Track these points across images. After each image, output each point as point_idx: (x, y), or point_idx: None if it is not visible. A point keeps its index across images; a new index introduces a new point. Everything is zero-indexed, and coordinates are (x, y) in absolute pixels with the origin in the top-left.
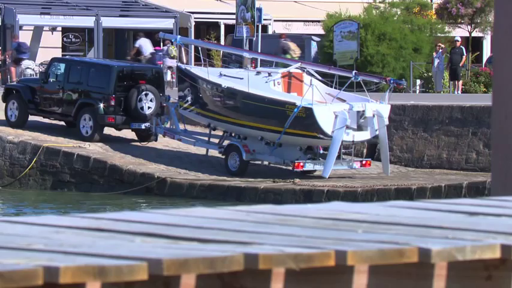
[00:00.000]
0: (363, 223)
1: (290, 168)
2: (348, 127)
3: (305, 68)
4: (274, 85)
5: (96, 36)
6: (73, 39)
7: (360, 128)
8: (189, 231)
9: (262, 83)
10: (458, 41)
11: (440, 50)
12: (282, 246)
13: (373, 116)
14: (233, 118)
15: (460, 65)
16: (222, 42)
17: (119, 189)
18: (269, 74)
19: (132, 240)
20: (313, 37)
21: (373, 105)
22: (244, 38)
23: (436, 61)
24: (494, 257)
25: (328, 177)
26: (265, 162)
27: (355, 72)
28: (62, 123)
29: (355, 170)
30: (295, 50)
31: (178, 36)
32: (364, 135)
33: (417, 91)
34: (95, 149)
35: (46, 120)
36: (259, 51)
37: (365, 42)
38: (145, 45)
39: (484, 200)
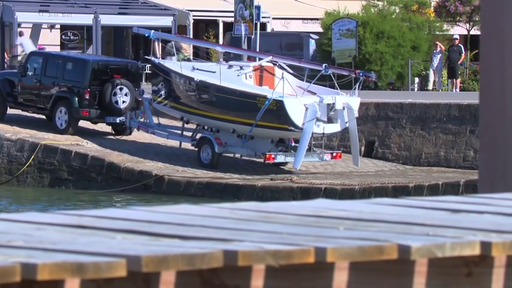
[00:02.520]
0: (345, 220)
1: (262, 160)
2: (318, 119)
3: (277, 62)
4: (246, 78)
5: (95, 34)
6: (71, 37)
7: (330, 120)
8: (171, 228)
9: (234, 76)
10: (457, 39)
11: (439, 49)
12: (262, 243)
13: (343, 108)
14: (205, 111)
15: (459, 63)
16: (221, 40)
17: (117, 187)
18: (241, 68)
19: (113, 237)
20: (311, 35)
21: (343, 98)
22: (243, 36)
23: (434, 59)
24: (474, 254)
25: (325, 175)
26: (237, 155)
27: (325, 66)
28: (43, 116)
29: (352, 168)
30: (186, 49)
31: (152, 31)
32: (335, 128)
33: (415, 89)
34: (92, 147)
35: (25, 114)
36: (258, 49)
37: (363, 40)
38: (27, 44)
39: (468, 198)
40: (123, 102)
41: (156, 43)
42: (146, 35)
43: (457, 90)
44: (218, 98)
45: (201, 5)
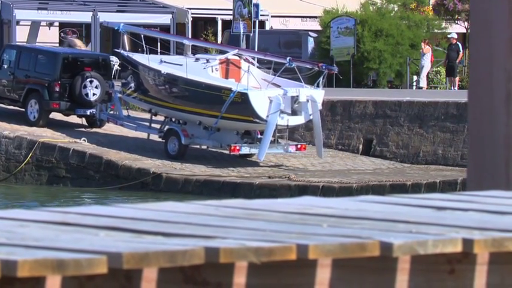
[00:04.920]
0: (330, 217)
1: (227, 151)
2: (282, 112)
3: (243, 55)
4: (212, 71)
5: (94, 32)
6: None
7: (294, 112)
8: (154, 225)
9: (200, 69)
10: (455, 38)
11: (426, 47)
12: (245, 240)
13: (307, 101)
14: (172, 103)
15: (457, 61)
16: (220, 38)
17: (115, 185)
18: (207, 61)
19: (96, 234)
20: (310, 33)
21: (307, 91)
22: (241, 34)
23: (421, 58)
24: (456, 251)
25: (323, 173)
26: (204, 146)
27: (290, 59)
28: (21, 109)
29: (350, 166)
30: (81, 46)
31: (122, 24)
32: (299, 120)
33: (414, 87)
34: (90, 145)
35: (3, 106)
36: (256, 47)
37: (362, 39)
38: None
39: (454, 195)
40: (94, 94)
41: (125, 36)
42: (116, 28)
43: (456, 88)
44: (185, 90)
45: (199, 2)
